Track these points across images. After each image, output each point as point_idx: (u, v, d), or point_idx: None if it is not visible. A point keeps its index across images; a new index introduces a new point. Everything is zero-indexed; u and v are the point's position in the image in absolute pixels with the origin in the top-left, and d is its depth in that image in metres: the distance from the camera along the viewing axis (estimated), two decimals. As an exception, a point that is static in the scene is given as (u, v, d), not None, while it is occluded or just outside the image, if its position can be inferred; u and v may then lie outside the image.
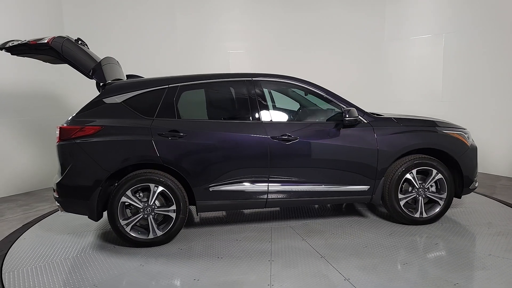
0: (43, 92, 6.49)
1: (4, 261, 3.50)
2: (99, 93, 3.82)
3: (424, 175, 4.00)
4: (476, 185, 4.18)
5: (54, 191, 3.73)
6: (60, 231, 4.22)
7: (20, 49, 3.61)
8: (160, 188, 3.60)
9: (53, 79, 6.55)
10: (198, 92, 3.95)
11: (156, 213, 3.65)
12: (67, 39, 3.80)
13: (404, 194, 3.96)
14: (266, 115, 3.84)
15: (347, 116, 3.74)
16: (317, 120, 4.09)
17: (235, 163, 3.70)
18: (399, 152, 3.91)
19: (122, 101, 3.72)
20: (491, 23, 6.38)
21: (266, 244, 3.67)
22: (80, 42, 4.11)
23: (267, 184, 3.76)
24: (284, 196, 3.83)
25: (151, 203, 3.62)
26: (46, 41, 3.58)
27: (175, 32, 7.57)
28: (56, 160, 3.70)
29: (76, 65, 3.72)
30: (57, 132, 3.65)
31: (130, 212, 3.68)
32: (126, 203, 3.62)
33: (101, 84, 3.82)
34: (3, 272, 3.28)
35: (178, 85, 3.82)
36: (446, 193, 4.00)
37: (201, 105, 3.96)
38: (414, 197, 3.99)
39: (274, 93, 4.32)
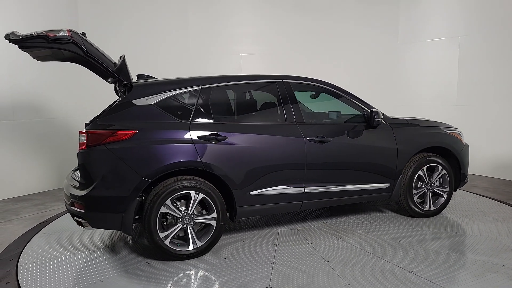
0: (60, 93, 6.51)
1: (20, 259, 3.52)
2: (123, 94, 3.45)
3: (430, 171, 4.37)
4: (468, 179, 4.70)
5: (75, 205, 3.26)
6: (76, 243, 3.71)
7: (36, 42, 3.08)
8: (201, 196, 3.37)
9: (69, 80, 6.55)
10: (232, 93, 3.80)
11: (196, 222, 3.42)
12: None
13: (415, 190, 4.29)
14: (298, 116, 3.85)
15: (375, 117, 3.94)
16: (336, 122, 4.20)
17: (275, 165, 3.64)
18: (414, 151, 4.23)
19: (154, 103, 3.41)
20: (507, 26, 6.25)
21: (307, 245, 3.67)
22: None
23: (303, 185, 3.77)
24: (319, 197, 3.87)
25: (191, 212, 3.38)
26: (67, 35, 3.13)
27: (187, 34, 7.40)
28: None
29: (99, 63, 3.30)
30: (82, 137, 3.22)
31: (166, 222, 3.38)
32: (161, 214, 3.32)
33: (125, 84, 3.45)
34: (18, 269, 3.29)
35: (211, 86, 3.63)
36: (448, 187, 4.42)
37: (236, 106, 3.81)
38: (423, 192, 4.34)
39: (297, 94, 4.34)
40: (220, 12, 7.56)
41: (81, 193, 3.20)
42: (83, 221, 3.23)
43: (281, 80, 3.91)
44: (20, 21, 5.88)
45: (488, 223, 4.20)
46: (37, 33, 3.06)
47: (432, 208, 4.39)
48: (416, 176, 4.25)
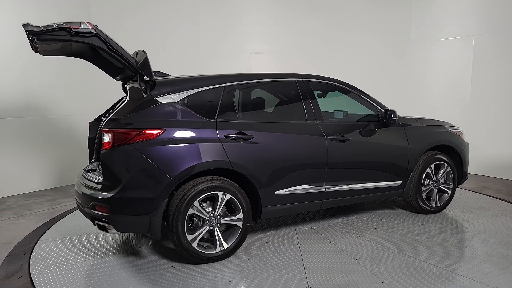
0: (72, 90, 6.61)
1: (32, 254, 3.58)
2: (145, 91, 3.29)
3: (435, 169, 4.51)
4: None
5: (96, 208, 3.08)
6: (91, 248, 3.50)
7: (58, 35, 2.86)
8: (228, 196, 3.29)
9: (82, 77, 6.64)
10: (255, 91, 3.73)
11: (222, 223, 3.33)
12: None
13: (423, 187, 4.41)
14: (318, 115, 3.84)
15: (392, 116, 4.01)
16: (353, 121, 4.23)
17: (300, 164, 3.62)
18: (424, 149, 4.34)
19: (179, 101, 3.29)
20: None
21: (329, 244, 3.67)
22: None
23: (324, 184, 3.77)
24: (338, 196, 3.89)
25: (217, 213, 3.28)
26: (91, 27, 2.94)
27: (198, 32, 7.38)
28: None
29: (123, 58, 3.13)
30: (107, 136, 3.04)
31: (192, 225, 3.27)
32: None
33: (147, 80, 3.29)
34: (31, 264, 3.35)
35: (234, 84, 3.55)
36: (452, 184, 4.59)
37: (259, 105, 3.75)
38: (430, 189, 4.47)
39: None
40: (230, 11, 7.50)
41: (106, 195, 3.02)
42: (106, 225, 3.05)
43: (300, 79, 3.89)
44: (32, 14, 5.90)
45: (491, 218, 4.40)
46: (58, 25, 2.85)
47: (438, 204, 4.53)
48: (425, 173, 4.37)
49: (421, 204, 4.41)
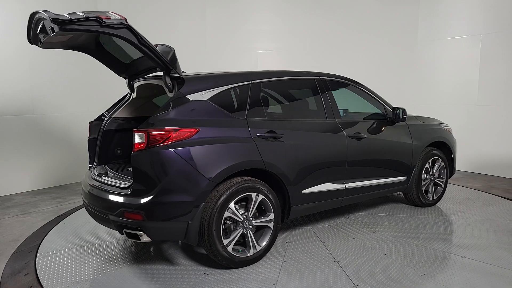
0: (77, 88, 6.56)
1: (38, 250, 3.58)
2: (172, 89, 3.07)
3: (431, 164, 4.75)
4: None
5: (125, 215, 2.82)
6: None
7: (87, 25, 2.56)
8: (261, 197, 3.19)
9: (88, 75, 6.61)
10: (277, 89, 3.66)
11: (255, 225, 3.22)
12: None
13: (423, 181, 4.63)
14: (336, 113, 3.86)
15: (403, 114, 4.15)
16: (367, 118, 4.31)
17: (325, 162, 3.62)
18: (424, 145, 4.56)
19: (209, 98, 3.12)
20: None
21: (351, 241, 3.71)
22: None
23: (344, 181, 3.81)
24: (356, 193, 3.95)
25: (251, 215, 3.17)
26: (121, 18, 2.69)
27: (205, 30, 7.38)
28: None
29: (153, 53, 2.89)
30: (139, 137, 2.80)
31: (224, 228, 3.12)
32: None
33: (174, 77, 3.08)
34: (37, 261, 3.35)
35: (260, 81, 3.44)
36: (445, 177, 4.87)
37: (282, 102, 3.68)
38: (427, 183, 4.71)
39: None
40: (237, 9, 7.38)
41: (139, 200, 2.78)
42: (138, 232, 2.82)
43: (318, 77, 3.89)
44: (37, 8, 5.62)
45: (482, 208, 4.73)
46: (86, 15, 2.57)
47: (435, 197, 4.79)
48: (424, 169, 4.59)
49: (421, 198, 4.62)
